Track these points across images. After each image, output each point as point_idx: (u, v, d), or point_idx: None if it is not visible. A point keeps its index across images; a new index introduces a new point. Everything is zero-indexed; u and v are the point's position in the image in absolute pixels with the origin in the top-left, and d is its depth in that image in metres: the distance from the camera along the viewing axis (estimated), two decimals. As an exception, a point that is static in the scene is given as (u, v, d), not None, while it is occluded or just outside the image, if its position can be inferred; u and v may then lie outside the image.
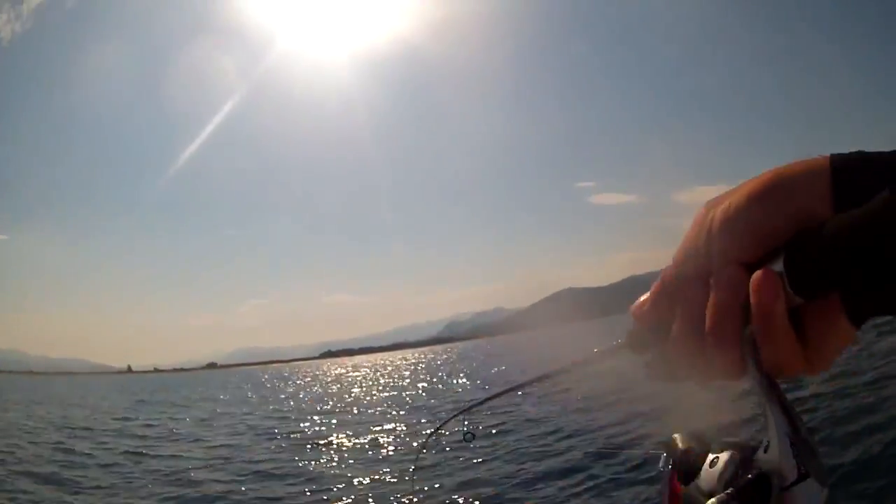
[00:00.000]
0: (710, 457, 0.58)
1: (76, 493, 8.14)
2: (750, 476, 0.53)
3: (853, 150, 0.53)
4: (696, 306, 0.56)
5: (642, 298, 0.62)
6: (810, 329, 0.54)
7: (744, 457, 0.56)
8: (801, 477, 0.50)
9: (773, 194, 0.53)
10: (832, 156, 0.53)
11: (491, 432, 9.01)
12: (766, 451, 0.54)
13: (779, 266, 0.51)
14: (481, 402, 0.94)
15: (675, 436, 0.64)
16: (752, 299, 0.52)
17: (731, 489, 0.53)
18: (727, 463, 0.56)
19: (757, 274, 0.52)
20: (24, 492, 8.04)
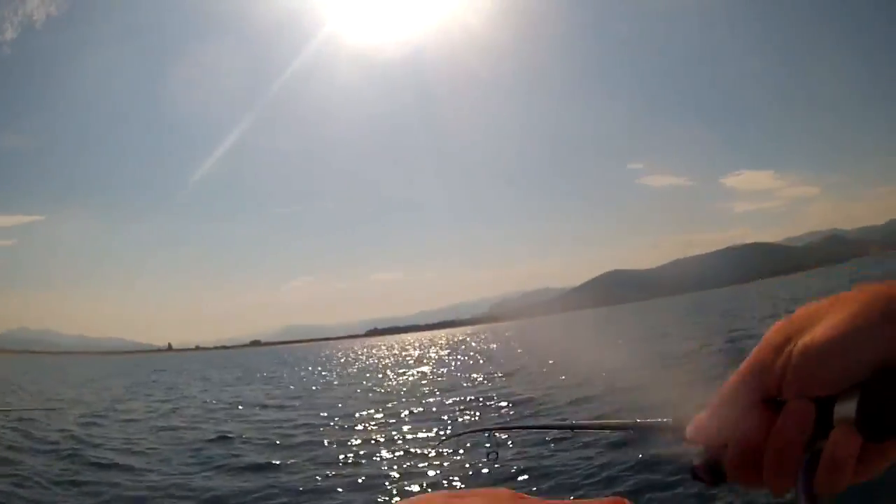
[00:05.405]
0: None
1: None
2: None
3: None
4: (756, 430, 0.56)
5: (700, 417, 0.58)
6: (865, 456, 0.55)
7: None
8: None
9: (861, 335, 0.53)
10: None
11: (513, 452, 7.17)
12: None
13: (851, 407, 0.53)
14: (507, 428, 0.97)
15: None
16: (825, 451, 0.54)
17: None
18: None
19: (839, 435, 0.54)
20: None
